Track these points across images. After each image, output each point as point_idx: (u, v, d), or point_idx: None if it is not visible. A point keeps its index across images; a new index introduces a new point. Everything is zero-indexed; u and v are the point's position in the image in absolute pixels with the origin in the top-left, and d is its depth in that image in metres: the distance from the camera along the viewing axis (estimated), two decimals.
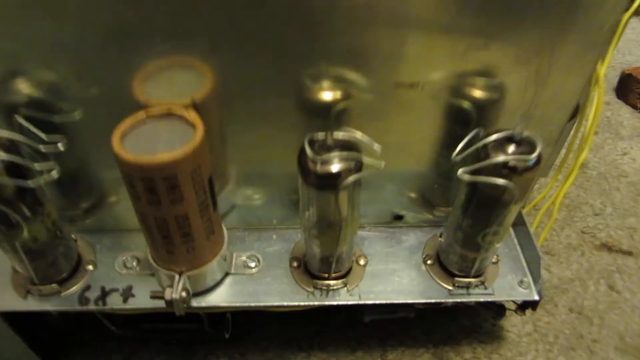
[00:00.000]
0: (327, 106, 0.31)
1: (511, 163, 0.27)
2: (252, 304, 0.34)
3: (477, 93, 0.31)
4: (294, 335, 0.43)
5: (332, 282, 0.35)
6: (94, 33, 0.27)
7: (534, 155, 0.27)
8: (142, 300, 0.34)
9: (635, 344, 0.44)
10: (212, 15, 0.26)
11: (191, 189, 0.27)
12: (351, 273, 0.36)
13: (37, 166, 0.27)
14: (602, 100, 0.33)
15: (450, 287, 0.36)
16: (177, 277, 0.32)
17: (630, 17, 0.27)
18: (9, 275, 0.34)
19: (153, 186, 0.26)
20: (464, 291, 0.36)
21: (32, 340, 0.37)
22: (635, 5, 0.27)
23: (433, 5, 0.26)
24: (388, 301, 0.35)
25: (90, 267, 0.35)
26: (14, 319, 0.35)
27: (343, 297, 0.35)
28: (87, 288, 0.34)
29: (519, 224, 0.39)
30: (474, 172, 0.28)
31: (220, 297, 0.34)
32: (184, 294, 0.31)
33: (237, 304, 0.34)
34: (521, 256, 0.38)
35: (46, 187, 0.31)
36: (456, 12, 0.26)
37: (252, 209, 0.38)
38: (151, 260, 0.32)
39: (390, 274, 0.37)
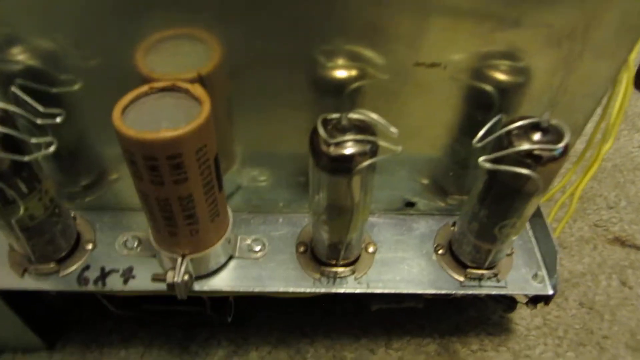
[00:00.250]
0: (341, 85, 0.29)
1: (536, 152, 0.26)
2: (257, 290, 0.33)
3: (502, 76, 0.29)
4: (297, 321, 0.42)
5: (339, 270, 0.34)
6: None
7: (561, 144, 0.25)
8: (142, 282, 0.33)
9: None
10: None
11: (196, 168, 0.26)
12: (359, 260, 0.35)
13: (33, 140, 0.26)
14: (630, 87, 0.31)
15: (461, 279, 0.35)
16: (179, 259, 0.30)
17: None
18: (5, 253, 0.33)
19: (155, 165, 0.25)
20: (475, 283, 0.35)
21: (30, 318, 0.36)
22: None
23: None
24: (396, 291, 0.34)
25: (90, 247, 0.34)
26: (11, 296, 0.34)
27: (350, 285, 0.34)
28: (87, 268, 0.33)
29: (536, 215, 0.37)
30: (495, 161, 0.27)
31: (223, 282, 0.33)
32: (186, 277, 0.30)
33: (241, 289, 0.33)
34: (536, 249, 0.37)
35: (43, 162, 0.29)
36: None
37: (258, 190, 0.37)
38: (153, 242, 0.31)
39: (400, 262, 0.35)
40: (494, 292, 0.34)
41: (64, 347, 0.40)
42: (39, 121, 0.27)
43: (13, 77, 0.28)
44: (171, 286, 0.30)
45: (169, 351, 0.40)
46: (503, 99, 0.30)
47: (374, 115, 0.26)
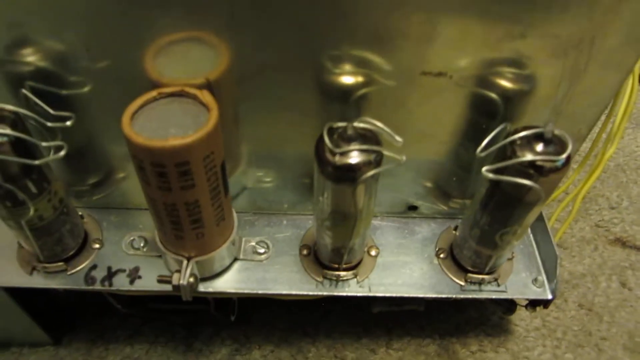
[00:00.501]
0: (347, 91, 0.30)
1: (539, 163, 0.26)
2: (260, 292, 0.34)
3: (507, 84, 0.29)
4: (299, 320, 0.43)
5: (342, 273, 0.34)
6: (106, 0, 0.25)
7: (564, 155, 0.26)
8: (148, 282, 0.33)
9: None
10: None
11: (203, 175, 0.26)
12: (362, 264, 0.35)
13: (44, 144, 0.26)
14: (635, 93, 0.31)
15: (462, 283, 0.35)
16: (185, 262, 0.31)
17: None
18: (14, 251, 0.33)
19: (164, 171, 0.25)
20: (476, 287, 0.35)
21: (36, 314, 0.37)
22: None
23: None
24: (398, 294, 0.34)
25: (97, 246, 0.34)
26: (19, 292, 0.34)
27: (353, 289, 0.34)
28: (94, 267, 0.33)
29: (537, 219, 0.37)
30: (498, 170, 0.27)
31: (228, 283, 0.34)
32: (191, 279, 0.31)
33: (245, 291, 0.34)
34: (537, 253, 0.37)
35: (53, 163, 0.30)
36: None
37: (263, 192, 0.37)
38: (159, 244, 0.32)
39: (402, 266, 0.36)
40: (494, 296, 0.35)
41: (70, 343, 0.40)
42: (49, 124, 0.27)
43: (24, 78, 0.28)
44: (177, 288, 0.31)
45: (173, 348, 0.40)
46: (508, 107, 0.30)
47: (380, 124, 0.26)
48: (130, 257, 0.34)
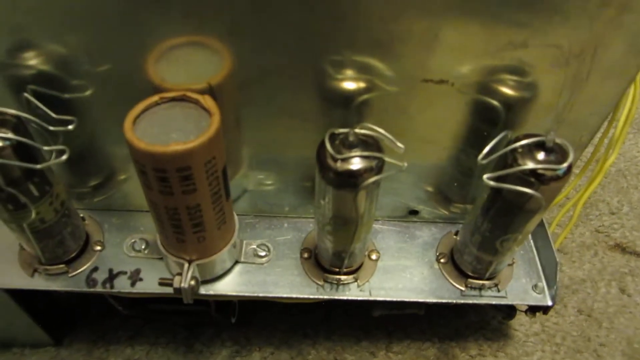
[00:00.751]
0: (348, 96, 0.30)
1: (540, 171, 0.26)
2: (261, 295, 0.34)
3: (508, 92, 0.29)
4: (299, 322, 0.43)
5: (343, 277, 0.34)
6: (107, 5, 0.25)
7: (565, 164, 0.26)
8: (150, 284, 0.33)
9: None
10: None
11: (205, 180, 0.26)
12: (362, 268, 0.35)
13: (46, 148, 0.26)
14: (637, 101, 0.31)
15: (462, 288, 0.35)
16: (186, 265, 0.31)
17: None
18: (16, 252, 0.34)
19: (165, 176, 0.25)
20: (476, 292, 0.35)
21: (37, 315, 0.37)
22: None
23: None
24: (398, 299, 0.34)
25: (98, 248, 0.35)
26: (21, 294, 0.34)
27: (353, 292, 0.34)
28: (95, 269, 0.34)
29: (538, 225, 0.37)
30: (499, 178, 0.27)
31: (228, 286, 0.34)
32: (192, 282, 0.31)
33: (246, 294, 0.34)
34: (537, 259, 0.37)
35: (54, 166, 0.30)
36: (498, 3, 0.24)
37: (264, 195, 0.37)
38: (160, 247, 0.32)
39: (402, 270, 0.36)
40: (494, 301, 0.35)
41: (71, 344, 0.40)
42: (51, 128, 0.27)
43: (26, 82, 0.28)
44: (178, 290, 0.31)
45: (174, 349, 0.41)
46: (509, 114, 0.30)
47: (381, 130, 0.26)
48: (131, 260, 0.34)
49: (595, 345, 0.43)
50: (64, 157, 0.26)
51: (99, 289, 0.33)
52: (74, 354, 0.40)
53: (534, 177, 0.26)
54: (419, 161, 0.34)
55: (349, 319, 0.43)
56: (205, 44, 0.27)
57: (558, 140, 0.26)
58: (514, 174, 0.26)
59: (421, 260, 0.36)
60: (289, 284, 0.34)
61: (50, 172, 0.29)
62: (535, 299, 0.35)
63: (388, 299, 0.34)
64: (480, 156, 0.28)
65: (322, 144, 0.26)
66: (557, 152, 0.26)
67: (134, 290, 0.33)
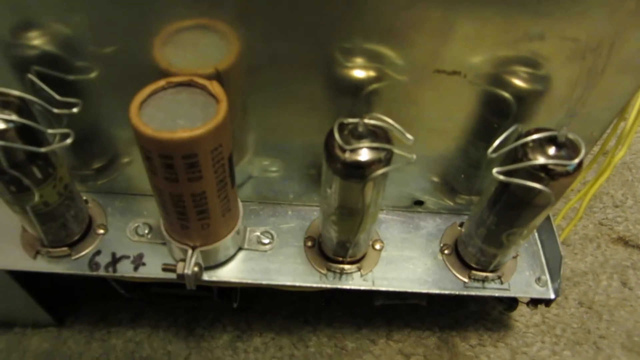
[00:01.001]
0: (358, 85, 0.29)
1: (550, 167, 0.26)
2: (264, 282, 0.34)
3: (521, 84, 0.28)
4: (300, 309, 0.43)
5: (346, 266, 0.34)
6: None
7: (576, 160, 0.25)
8: (153, 269, 0.33)
9: None
10: None
11: (210, 167, 0.26)
12: (366, 257, 0.35)
13: (50, 131, 0.26)
14: None
15: (465, 279, 0.35)
16: (190, 251, 0.31)
17: None
18: (18, 234, 0.33)
19: (171, 163, 0.25)
20: (479, 284, 0.35)
21: (39, 295, 0.37)
22: None
23: None
24: (401, 289, 0.34)
25: (101, 231, 0.34)
26: (23, 275, 0.34)
27: (356, 282, 0.34)
28: (98, 253, 0.33)
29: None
30: (508, 172, 0.27)
31: (231, 273, 0.34)
32: (196, 269, 0.31)
33: (249, 281, 0.34)
34: (541, 252, 0.37)
35: (58, 148, 0.29)
36: None
37: (269, 181, 0.37)
38: (164, 232, 0.32)
39: (406, 261, 0.36)
40: (497, 294, 0.35)
41: (73, 324, 0.41)
42: (55, 110, 0.27)
43: (29, 63, 0.28)
44: (181, 277, 0.31)
45: (175, 333, 0.41)
46: (521, 107, 0.29)
47: (391, 121, 0.26)
48: (134, 244, 0.34)
49: (595, 338, 0.44)
50: (68, 140, 0.26)
51: (101, 272, 0.33)
52: (76, 334, 0.40)
53: (543, 173, 0.26)
54: (427, 152, 0.33)
55: (350, 306, 0.43)
56: (214, 27, 0.27)
57: (570, 136, 0.26)
58: (523, 168, 0.26)
59: (425, 251, 0.36)
60: (292, 272, 0.34)
61: (54, 155, 0.29)
62: (538, 292, 0.35)
63: (391, 289, 0.34)
64: (490, 149, 0.27)
65: (331, 133, 0.26)
66: (568, 148, 0.26)
67: (137, 274, 0.33)
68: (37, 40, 0.27)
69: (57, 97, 0.27)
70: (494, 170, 0.26)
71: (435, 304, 0.43)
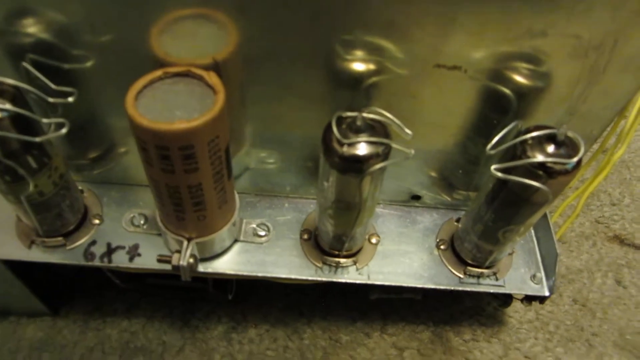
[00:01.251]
0: (357, 78, 0.29)
1: (549, 165, 0.26)
2: (260, 274, 0.34)
3: (522, 80, 0.28)
4: (296, 301, 0.43)
5: (342, 260, 0.34)
6: None
7: (575, 159, 0.25)
8: (148, 260, 0.33)
9: (635, 342, 0.44)
10: None
11: (207, 159, 0.26)
12: (362, 251, 0.35)
13: (45, 121, 0.25)
14: None
15: (461, 275, 0.35)
16: (185, 243, 0.31)
17: None
18: (13, 223, 0.33)
19: (167, 154, 0.25)
20: (474, 280, 0.35)
21: (34, 285, 0.37)
22: None
23: None
24: (396, 284, 0.34)
25: (97, 221, 0.34)
26: (17, 264, 0.34)
27: (352, 276, 0.34)
28: (93, 243, 0.33)
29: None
30: (507, 169, 0.26)
31: (227, 265, 0.34)
32: (191, 260, 0.31)
33: (244, 273, 0.34)
34: (537, 249, 0.37)
35: (53, 138, 0.29)
36: None
37: (266, 173, 0.37)
38: (160, 223, 0.31)
39: (402, 255, 0.36)
40: (492, 290, 0.35)
41: (68, 314, 0.41)
42: (50, 100, 0.26)
43: (25, 51, 0.27)
44: (176, 268, 0.31)
45: (170, 324, 0.41)
46: (521, 104, 0.29)
47: (389, 115, 0.25)
48: (130, 234, 0.34)
49: (587, 335, 0.44)
50: (64, 130, 0.26)
51: (96, 263, 0.33)
52: (71, 324, 0.40)
53: (542, 170, 0.26)
54: (425, 147, 0.33)
55: (345, 300, 0.43)
56: (212, 17, 0.26)
57: (570, 134, 0.26)
58: (521, 165, 0.26)
59: (421, 246, 0.36)
60: (288, 264, 0.34)
61: (49, 144, 0.28)
62: (532, 289, 0.35)
63: (386, 283, 0.34)
64: (489, 146, 0.27)
65: (329, 127, 0.26)
66: (567, 146, 0.26)
67: (132, 265, 0.33)
68: (32, 27, 0.27)
69: (53, 86, 0.27)
70: (493, 166, 0.26)
71: (431, 299, 0.43)
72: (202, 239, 0.31)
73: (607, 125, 0.30)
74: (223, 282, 0.39)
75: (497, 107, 0.30)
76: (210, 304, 0.42)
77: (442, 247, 0.36)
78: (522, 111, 0.29)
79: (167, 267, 0.31)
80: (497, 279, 0.35)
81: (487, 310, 0.44)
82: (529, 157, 0.26)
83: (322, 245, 0.34)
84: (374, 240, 0.36)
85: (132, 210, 0.35)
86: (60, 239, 0.32)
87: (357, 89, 0.29)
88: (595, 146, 0.37)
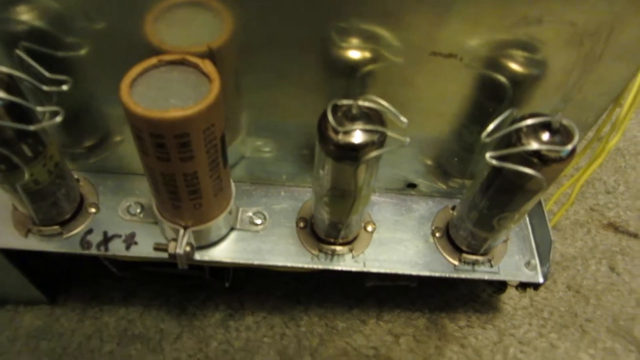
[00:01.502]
0: (353, 66, 0.29)
1: (543, 152, 0.26)
2: (256, 262, 0.34)
3: (517, 68, 0.28)
4: (293, 289, 0.43)
5: (338, 247, 0.34)
6: None
7: (569, 146, 0.25)
8: (144, 249, 0.33)
9: (628, 327, 0.44)
10: None
11: (203, 147, 0.26)
12: (358, 239, 0.35)
13: (39, 109, 0.25)
14: None
15: (456, 262, 0.35)
16: (181, 231, 0.31)
17: None
18: (9, 212, 0.33)
19: (162, 142, 0.25)
20: (469, 267, 0.35)
21: (31, 273, 0.37)
22: None
23: None
24: (392, 271, 0.35)
25: (93, 210, 0.34)
26: (15, 253, 0.34)
27: (348, 263, 0.35)
28: (89, 232, 0.33)
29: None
30: (501, 156, 0.27)
31: (223, 253, 0.34)
32: (188, 248, 0.31)
33: (241, 261, 0.34)
34: (532, 236, 0.38)
35: (48, 126, 0.29)
36: None
37: (262, 162, 0.37)
38: (156, 212, 0.31)
39: (397, 243, 0.36)
40: (486, 277, 0.35)
41: (65, 302, 0.41)
42: (45, 88, 0.26)
43: (18, 38, 0.27)
44: (173, 256, 0.31)
45: (167, 311, 0.41)
46: (516, 92, 0.29)
47: (385, 103, 0.25)
48: (126, 223, 0.34)
49: (581, 321, 0.44)
50: (58, 118, 0.25)
51: (93, 251, 0.33)
52: (69, 312, 0.40)
53: (536, 158, 0.26)
54: (421, 135, 0.33)
55: (341, 287, 0.44)
56: (207, 5, 0.26)
57: (564, 122, 0.26)
58: (516, 153, 0.26)
59: (416, 234, 0.37)
60: (284, 252, 0.34)
61: (44, 132, 0.28)
62: (527, 276, 0.36)
63: (382, 270, 0.35)
64: (484, 134, 0.27)
65: (324, 115, 0.26)
66: (562, 133, 0.26)
67: (129, 254, 0.33)
68: (25, 15, 0.26)
69: (47, 74, 0.27)
70: (487, 154, 0.26)
71: (426, 286, 0.44)
72: (198, 227, 0.31)
73: (602, 113, 0.30)
74: (220, 270, 0.39)
75: (492, 95, 0.30)
76: (207, 292, 0.42)
77: (437, 234, 0.37)
78: (517, 99, 0.29)
79: (164, 255, 0.31)
80: (491, 266, 0.36)
81: (482, 297, 0.45)
82: (523, 145, 0.26)
83: (318, 233, 0.35)
84: (369, 228, 0.36)
85: (128, 199, 0.35)
86: (56, 227, 0.32)
87: (352, 77, 0.29)
88: (590, 134, 0.37)
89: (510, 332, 0.43)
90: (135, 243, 0.33)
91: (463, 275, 0.35)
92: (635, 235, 0.51)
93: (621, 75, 0.27)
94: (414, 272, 0.35)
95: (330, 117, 0.25)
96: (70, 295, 0.41)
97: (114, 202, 0.35)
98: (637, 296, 0.46)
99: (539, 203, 0.37)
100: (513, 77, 0.28)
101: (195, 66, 0.26)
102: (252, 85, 0.30)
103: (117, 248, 0.33)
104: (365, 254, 0.35)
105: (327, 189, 0.29)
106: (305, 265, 0.34)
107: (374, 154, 0.25)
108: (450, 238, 0.36)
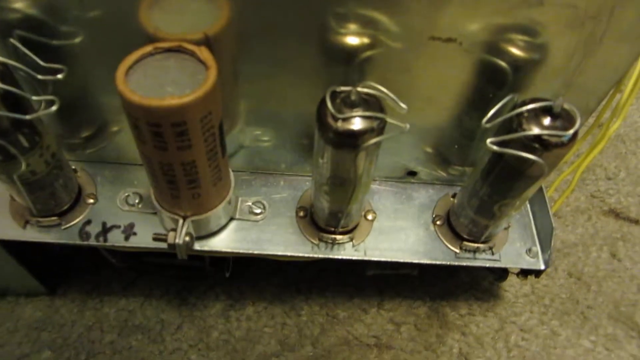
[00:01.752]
0: (351, 52, 0.28)
1: (544, 137, 0.25)
2: (256, 252, 0.34)
3: (518, 53, 0.28)
4: (293, 278, 0.43)
5: (338, 236, 0.34)
6: None
7: (571, 131, 0.25)
8: (144, 239, 0.33)
9: (629, 313, 0.44)
10: None
11: (200, 136, 0.26)
12: (358, 228, 0.35)
13: (34, 98, 0.25)
14: None
15: (457, 250, 0.35)
16: (181, 221, 0.31)
17: None
18: (7, 203, 0.33)
19: (159, 131, 0.24)
20: (470, 255, 0.35)
21: (31, 264, 0.37)
22: None
23: None
24: (393, 259, 0.35)
25: (91, 201, 0.34)
26: (13, 244, 0.34)
27: (348, 252, 0.34)
28: (88, 222, 0.33)
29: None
30: (502, 142, 0.26)
31: (223, 242, 0.34)
32: (187, 238, 0.31)
33: (241, 251, 0.34)
34: (533, 223, 0.37)
35: (44, 116, 0.29)
36: None
37: (261, 151, 0.36)
38: (155, 202, 0.31)
39: (398, 231, 0.36)
40: (487, 264, 0.35)
41: (65, 294, 0.41)
42: (40, 77, 0.26)
43: (12, 27, 0.27)
44: (172, 246, 0.31)
45: (167, 302, 0.41)
46: (517, 77, 0.29)
47: (384, 90, 0.25)
48: (124, 213, 0.34)
49: (582, 308, 0.44)
50: (54, 107, 0.25)
51: (92, 242, 0.33)
52: (69, 303, 0.40)
53: (538, 143, 0.25)
54: (421, 122, 0.33)
55: (342, 276, 0.44)
56: None
57: (566, 106, 0.25)
58: (517, 139, 0.26)
59: (417, 222, 0.36)
60: (284, 242, 0.34)
61: (40, 122, 0.28)
62: (528, 263, 0.36)
63: (383, 259, 0.34)
64: (485, 119, 0.27)
65: (323, 101, 0.25)
66: (563, 118, 0.26)
67: (128, 244, 0.33)
68: (19, 3, 0.26)
69: (41, 62, 0.26)
70: (488, 140, 0.26)
71: (427, 274, 0.44)
72: (197, 217, 0.31)
73: (603, 97, 0.30)
74: (220, 259, 0.39)
75: (492, 80, 0.29)
76: (208, 282, 0.42)
77: (438, 222, 0.36)
78: (518, 84, 0.29)
79: (163, 245, 0.31)
80: (493, 254, 0.36)
81: (483, 284, 0.45)
82: (524, 130, 0.25)
83: (318, 222, 0.34)
84: (370, 217, 0.36)
85: (126, 189, 0.35)
86: (54, 218, 0.32)
87: (351, 64, 0.29)
88: (591, 120, 0.36)
89: (512, 319, 0.43)
90: (134, 234, 0.33)
91: (464, 263, 0.35)
92: (636, 222, 0.51)
93: (622, 58, 0.27)
94: (415, 260, 0.35)
95: (329, 104, 0.25)
96: (70, 287, 0.41)
97: (112, 192, 0.35)
98: (638, 282, 0.46)
99: (540, 190, 0.37)
100: (513, 61, 0.28)
101: (192, 54, 0.25)
102: (250, 73, 0.30)
103: (116, 239, 0.33)
104: (365, 243, 0.35)
105: (327, 177, 0.29)
106: (306, 255, 0.34)
107: (373, 140, 0.25)
108: (451, 226, 0.36)
